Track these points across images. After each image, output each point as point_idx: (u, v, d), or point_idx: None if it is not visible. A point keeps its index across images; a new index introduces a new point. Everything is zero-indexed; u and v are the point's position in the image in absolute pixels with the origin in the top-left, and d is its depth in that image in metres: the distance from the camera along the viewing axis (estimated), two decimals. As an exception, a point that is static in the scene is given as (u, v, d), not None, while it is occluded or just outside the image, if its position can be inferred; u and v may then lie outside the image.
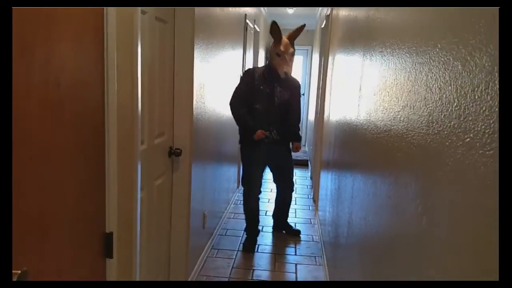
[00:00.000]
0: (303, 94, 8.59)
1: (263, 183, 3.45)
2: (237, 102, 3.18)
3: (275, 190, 3.63)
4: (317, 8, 6.03)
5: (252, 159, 3.27)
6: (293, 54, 3.14)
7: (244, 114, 3.16)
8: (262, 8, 5.91)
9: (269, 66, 3.24)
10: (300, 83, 3.46)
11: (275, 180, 3.54)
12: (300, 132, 3.52)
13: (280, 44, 3.06)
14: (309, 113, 7.21)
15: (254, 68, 3.42)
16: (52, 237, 0.98)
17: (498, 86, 0.60)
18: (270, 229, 3.71)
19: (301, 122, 3.55)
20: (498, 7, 0.60)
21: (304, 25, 3.20)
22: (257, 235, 3.47)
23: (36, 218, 0.91)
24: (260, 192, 3.39)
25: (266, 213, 4.13)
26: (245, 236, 3.45)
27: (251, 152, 3.25)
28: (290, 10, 6.46)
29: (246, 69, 3.37)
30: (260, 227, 3.56)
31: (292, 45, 3.12)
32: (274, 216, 3.68)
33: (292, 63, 3.16)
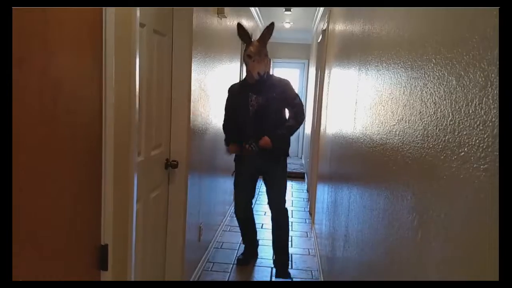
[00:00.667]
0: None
1: (256, 195, 3.33)
2: (225, 122, 3.20)
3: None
4: (313, 22, 6.11)
5: (239, 168, 3.24)
6: (266, 55, 2.95)
7: (227, 130, 3.17)
8: (259, 22, 5.97)
9: (245, 78, 3.12)
10: (287, 81, 3.07)
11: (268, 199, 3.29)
12: (284, 131, 2.97)
13: (250, 45, 2.95)
14: (305, 126, 7.24)
15: (235, 83, 3.30)
16: (46, 249, 0.97)
17: (492, 101, 0.61)
18: (266, 242, 3.69)
19: (300, 121, 3.02)
20: (495, 19, 0.61)
21: (273, 23, 2.98)
22: (256, 247, 3.46)
23: (29, 230, 0.90)
24: (251, 202, 3.32)
25: (262, 226, 4.11)
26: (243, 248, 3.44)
27: (238, 162, 3.23)
28: (287, 25, 6.54)
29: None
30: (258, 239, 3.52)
31: (264, 46, 2.94)
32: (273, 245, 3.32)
33: (266, 64, 2.94)
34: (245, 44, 3.00)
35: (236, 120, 3.10)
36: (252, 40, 2.99)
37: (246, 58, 2.96)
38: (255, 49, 2.91)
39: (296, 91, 3.19)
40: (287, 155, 3.14)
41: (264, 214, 4.51)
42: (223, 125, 3.20)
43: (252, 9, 5.17)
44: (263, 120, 2.96)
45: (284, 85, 3.04)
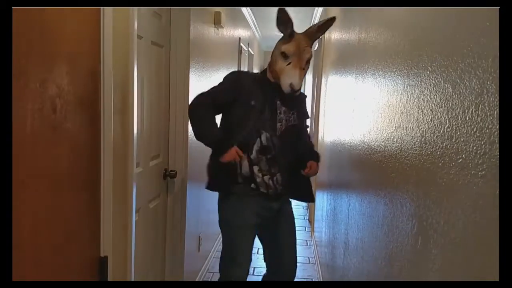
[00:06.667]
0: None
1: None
2: (205, 102, 1.91)
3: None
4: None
5: (241, 217, 1.94)
6: (309, 59, 1.88)
7: (207, 119, 1.91)
8: (256, 32, 6.01)
9: (264, 73, 1.98)
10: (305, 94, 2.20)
11: (266, 258, 2.16)
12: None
13: (291, 40, 1.83)
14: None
15: (243, 72, 2.19)
16: (45, 262, 0.97)
17: (488, 108, 0.61)
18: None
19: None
20: (490, 27, 0.62)
21: (334, 17, 1.95)
22: None
23: (28, 242, 0.90)
24: (248, 270, 2.04)
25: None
26: None
27: (238, 205, 1.94)
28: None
29: (231, 71, 2.07)
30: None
31: (311, 45, 1.90)
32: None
33: (305, 74, 1.89)
34: (283, 36, 1.88)
35: (236, 130, 1.88)
36: (295, 32, 1.86)
37: (278, 57, 1.86)
38: (297, 47, 1.83)
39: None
40: None
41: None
42: (195, 104, 1.93)
43: (249, 18, 5.21)
44: (294, 146, 1.97)
45: (305, 99, 2.15)
